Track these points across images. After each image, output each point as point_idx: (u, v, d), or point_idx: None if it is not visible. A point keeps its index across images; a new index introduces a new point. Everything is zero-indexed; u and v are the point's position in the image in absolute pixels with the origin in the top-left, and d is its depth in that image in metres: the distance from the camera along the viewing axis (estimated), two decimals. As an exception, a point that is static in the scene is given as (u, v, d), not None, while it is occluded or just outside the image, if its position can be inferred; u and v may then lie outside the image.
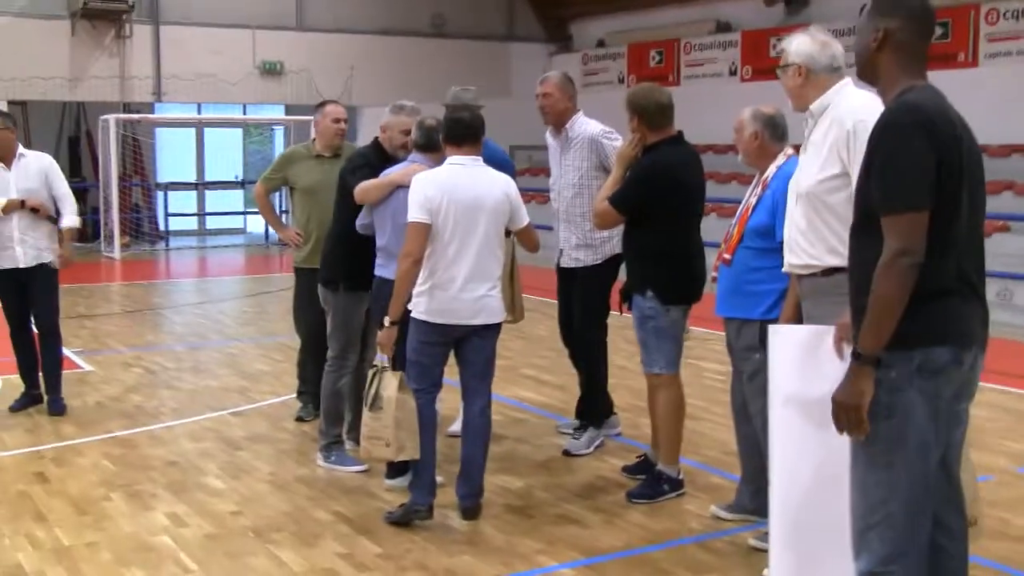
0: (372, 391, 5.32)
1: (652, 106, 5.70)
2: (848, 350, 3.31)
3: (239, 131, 23.40)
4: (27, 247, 7.41)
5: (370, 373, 5.43)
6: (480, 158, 5.41)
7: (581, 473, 6.30)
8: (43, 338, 7.60)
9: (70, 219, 7.58)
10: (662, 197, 5.59)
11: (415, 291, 5.29)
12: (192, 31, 19.89)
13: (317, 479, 6.16)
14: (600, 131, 6.58)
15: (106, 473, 6.25)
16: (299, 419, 7.34)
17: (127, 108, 20.49)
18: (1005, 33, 14.98)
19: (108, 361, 9.54)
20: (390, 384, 5.27)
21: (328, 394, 6.36)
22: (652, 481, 5.84)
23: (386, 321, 5.32)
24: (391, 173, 5.79)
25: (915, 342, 3.18)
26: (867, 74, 3.43)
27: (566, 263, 6.71)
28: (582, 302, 6.67)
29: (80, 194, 20.33)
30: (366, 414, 5.36)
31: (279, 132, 23.30)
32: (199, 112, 21.87)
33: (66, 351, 8.32)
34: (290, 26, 20.98)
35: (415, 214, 5.22)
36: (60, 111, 21.26)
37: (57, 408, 7.54)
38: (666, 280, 5.65)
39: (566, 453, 6.62)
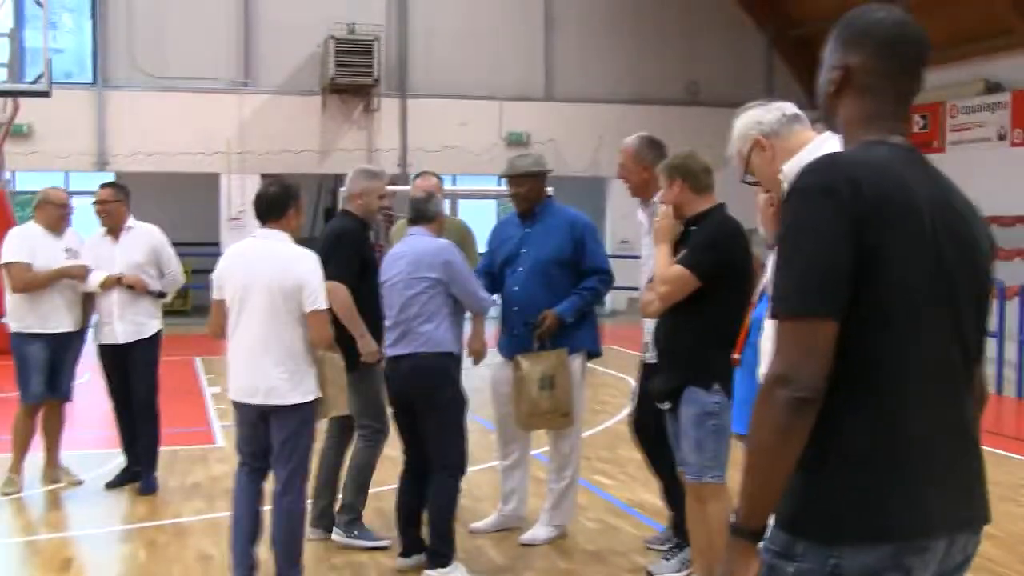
0: None
1: (698, 168, 4.96)
2: None
3: (493, 203, 23.36)
4: (126, 323, 7.26)
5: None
6: (280, 233, 5.12)
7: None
8: (139, 414, 7.40)
9: (167, 290, 7.50)
10: (738, 264, 4.80)
11: None
12: (439, 103, 20.05)
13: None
14: None
15: (128, 567, 5.88)
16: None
17: (381, 181, 20.84)
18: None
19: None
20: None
21: (362, 464, 6.13)
22: None
23: None
24: None
25: (831, 535, 2.15)
26: (832, 125, 2.46)
27: (650, 359, 5.65)
28: None
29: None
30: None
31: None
32: (454, 184, 21.99)
33: (216, 422, 8.56)
34: (538, 97, 20.81)
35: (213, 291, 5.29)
36: (316, 184, 21.94)
37: (148, 487, 7.30)
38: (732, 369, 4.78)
39: None
